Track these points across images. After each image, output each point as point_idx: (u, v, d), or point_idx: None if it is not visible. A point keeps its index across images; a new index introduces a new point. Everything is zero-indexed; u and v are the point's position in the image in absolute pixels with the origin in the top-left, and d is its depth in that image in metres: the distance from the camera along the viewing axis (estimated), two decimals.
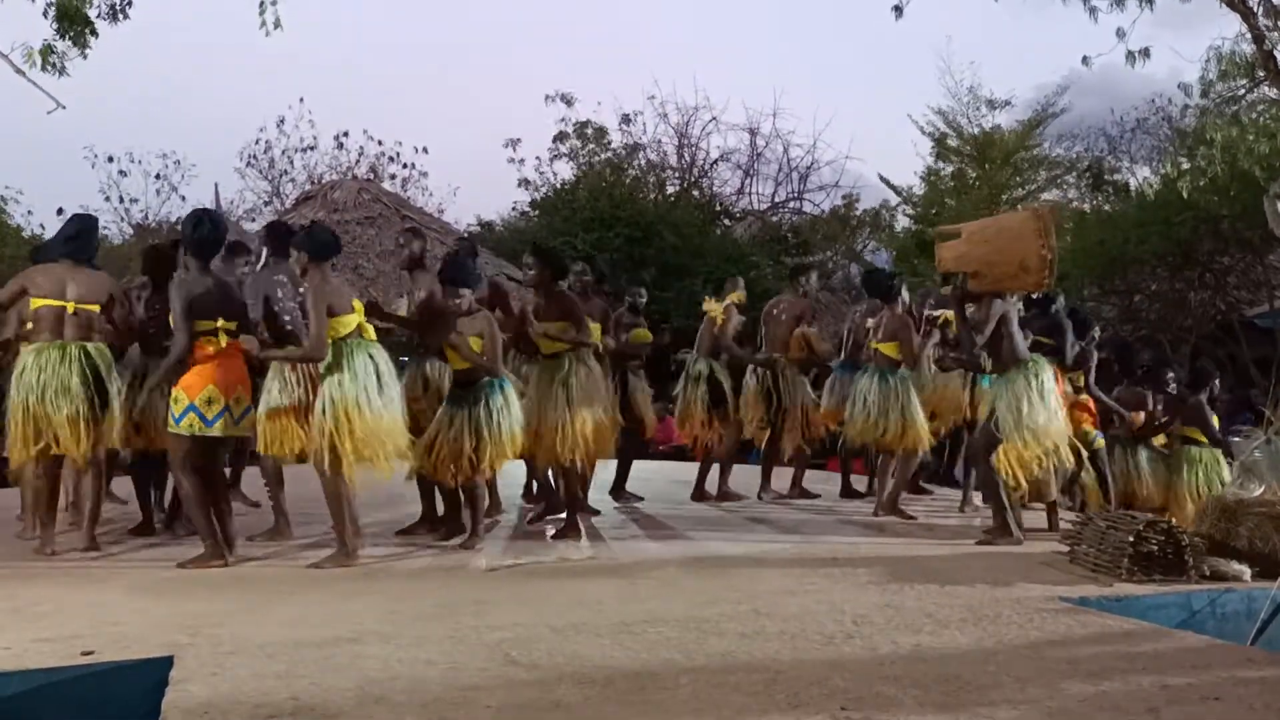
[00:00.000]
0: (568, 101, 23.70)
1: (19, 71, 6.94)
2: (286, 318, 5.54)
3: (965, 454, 7.87)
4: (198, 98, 33.68)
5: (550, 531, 6.25)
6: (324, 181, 20.20)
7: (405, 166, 24.42)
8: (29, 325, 5.29)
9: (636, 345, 7.61)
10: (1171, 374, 7.69)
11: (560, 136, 23.72)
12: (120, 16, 7.69)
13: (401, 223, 15.39)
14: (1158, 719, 2.82)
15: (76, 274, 5.28)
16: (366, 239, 15.06)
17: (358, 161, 23.68)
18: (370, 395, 4.97)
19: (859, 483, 8.59)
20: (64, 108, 7.12)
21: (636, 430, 7.60)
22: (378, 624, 3.83)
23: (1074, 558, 5.23)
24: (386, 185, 21.16)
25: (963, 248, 6.06)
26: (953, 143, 19.49)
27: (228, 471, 6.45)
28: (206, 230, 5.17)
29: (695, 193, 23.28)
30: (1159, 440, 7.51)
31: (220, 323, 5.10)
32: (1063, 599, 4.39)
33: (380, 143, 24.16)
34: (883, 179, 22.14)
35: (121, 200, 22.41)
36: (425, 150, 24.57)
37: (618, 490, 7.78)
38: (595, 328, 6.50)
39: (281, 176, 24.13)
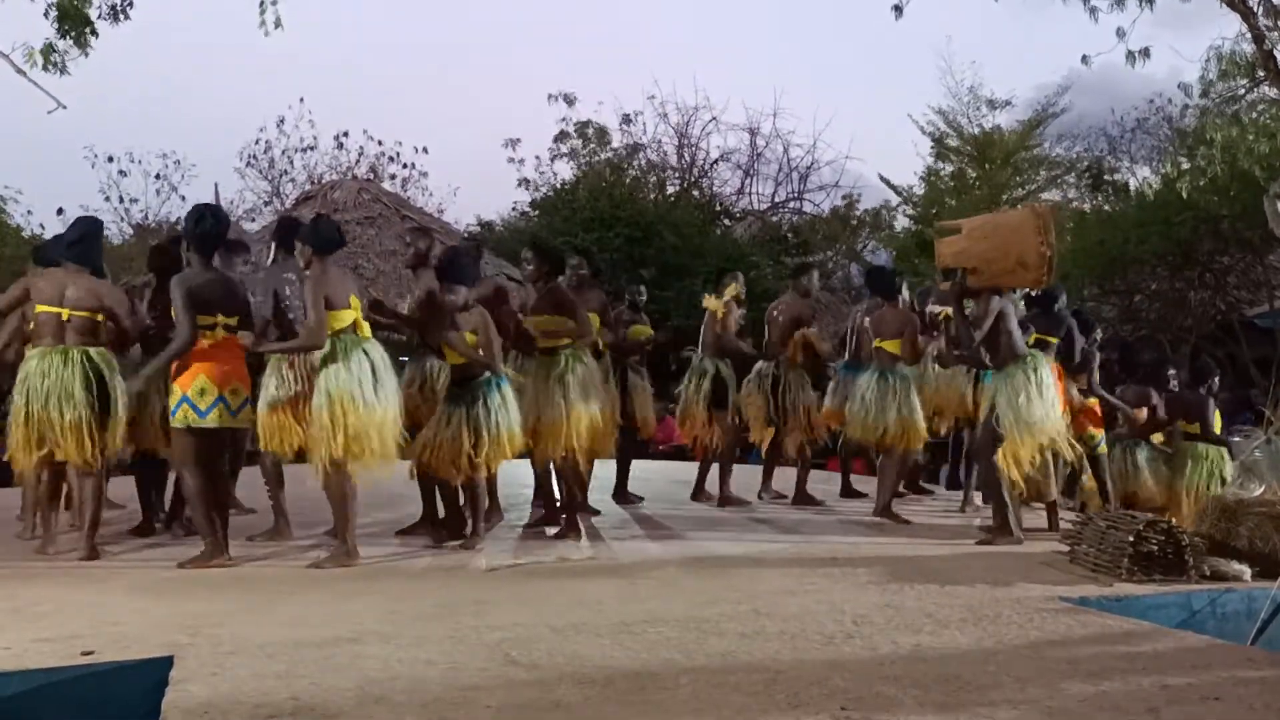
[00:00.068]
0: (569, 101, 23.74)
1: (20, 71, 6.94)
2: (292, 315, 5.54)
3: (968, 453, 7.85)
4: (198, 98, 33.69)
5: (550, 531, 6.24)
6: (324, 181, 20.19)
7: (405, 166, 24.41)
8: (31, 325, 5.30)
9: (635, 341, 7.60)
10: (1172, 371, 7.68)
11: (561, 136, 23.76)
12: (121, 17, 7.69)
13: (401, 223, 15.41)
14: (1158, 719, 2.82)
15: (76, 280, 5.28)
16: (366, 239, 15.05)
17: (358, 161, 23.67)
18: (364, 390, 4.97)
19: (859, 482, 8.59)
20: (64, 107, 7.12)
21: (636, 430, 7.57)
22: (378, 624, 3.83)
23: (1074, 558, 5.23)
24: (386, 185, 21.13)
25: (962, 243, 6.07)
26: (953, 143, 19.51)
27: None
28: (209, 225, 5.18)
29: (695, 193, 23.27)
30: (1157, 438, 7.51)
31: (220, 318, 5.11)
32: (1063, 599, 4.39)
33: (380, 143, 24.15)
34: (883, 179, 22.17)
35: (121, 200, 22.41)
36: (425, 150, 24.55)
37: (619, 492, 7.77)
38: (593, 316, 6.49)
39: (281, 176, 24.12)
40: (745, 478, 8.32)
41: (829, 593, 4.54)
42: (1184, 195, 11.04)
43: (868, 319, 7.50)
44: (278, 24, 7.56)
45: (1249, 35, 8.72)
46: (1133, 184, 18.05)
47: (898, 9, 9.46)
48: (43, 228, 19.29)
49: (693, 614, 4.03)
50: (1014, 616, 4.05)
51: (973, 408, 7.36)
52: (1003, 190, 18.40)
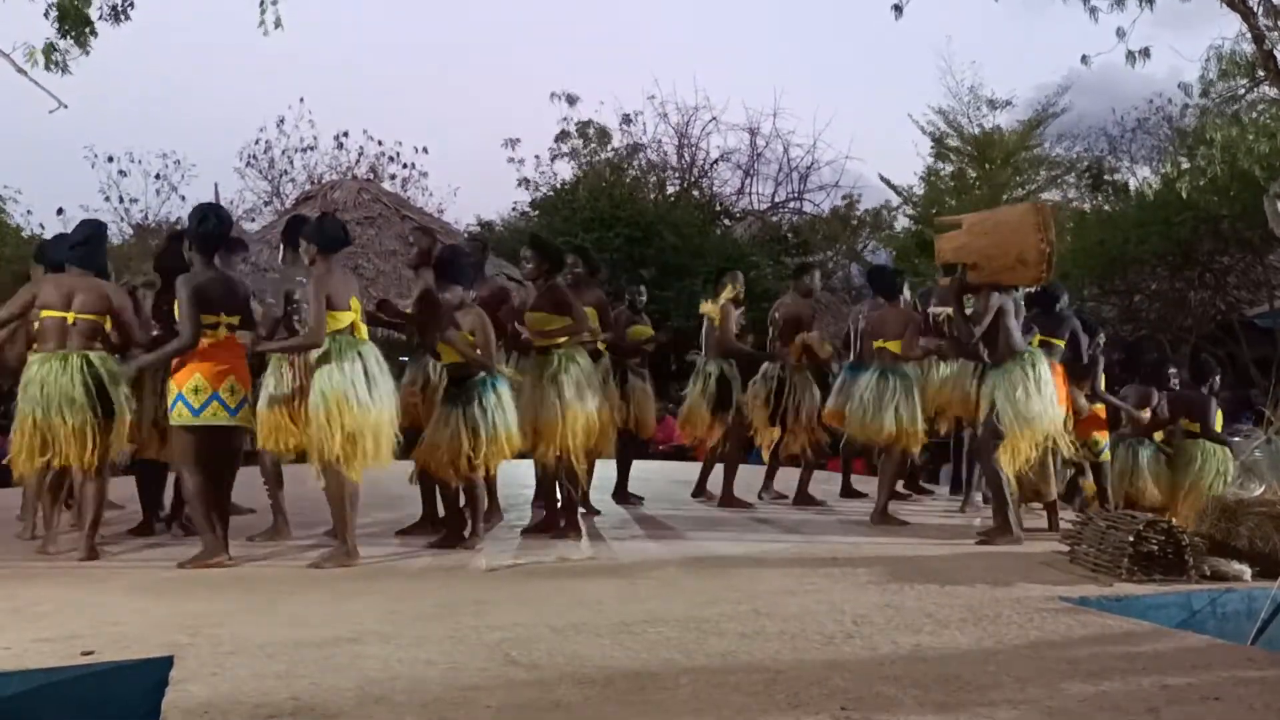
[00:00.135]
0: (571, 101, 23.74)
1: (20, 71, 6.94)
2: (298, 317, 5.54)
3: (969, 453, 7.85)
4: (198, 98, 33.69)
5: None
6: (324, 181, 20.18)
7: (405, 166, 24.42)
8: (36, 326, 5.30)
9: (635, 342, 7.59)
10: (1173, 370, 7.69)
11: (562, 136, 23.75)
12: (122, 18, 7.68)
13: (401, 223, 15.40)
14: (1158, 719, 2.82)
15: (81, 283, 5.28)
16: (366, 239, 15.03)
17: (358, 161, 23.67)
18: (358, 390, 4.97)
19: (859, 482, 8.59)
20: (65, 106, 7.11)
21: (635, 431, 7.56)
22: (378, 624, 3.83)
23: (1074, 558, 5.23)
24: (386, 185, 21.12)
25: (962, 239, 6.07)
26: (953, 143, 19.51)
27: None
28: (212, 225, 5.18)
29: (695, 193, 23.26)
30: (1159, 436, 7.51)
31: (222, 317, 5.13)
32: (1063, 599, 4.39)
33: (380, 143, 24.15)
34: (883, 179, 22.18)
35: (121, 200, 22.42)
36: (425, 150, 24.57)
37: (619, 492, 7.77)
38: (591, 312, 6.49)
39: (281, 176, 24.14)
40: (746, 478, 8.30)
41: (829, 593, 4.54)
42: (1184, 195, 11.03)
43: (866, 319, 7.50)
44: (278, 24, 7.56)
45: (1249, 35, 8.72)
46: (1133, 184, 18.07)
47: (898, 9, 9.46)
48: (42, 227, 19.32)
49: (693, 614, 4.03)
50: (1014, 616, 4.05)
51: (975, 408, 7.35)
52: (1003, 190, 18.40)
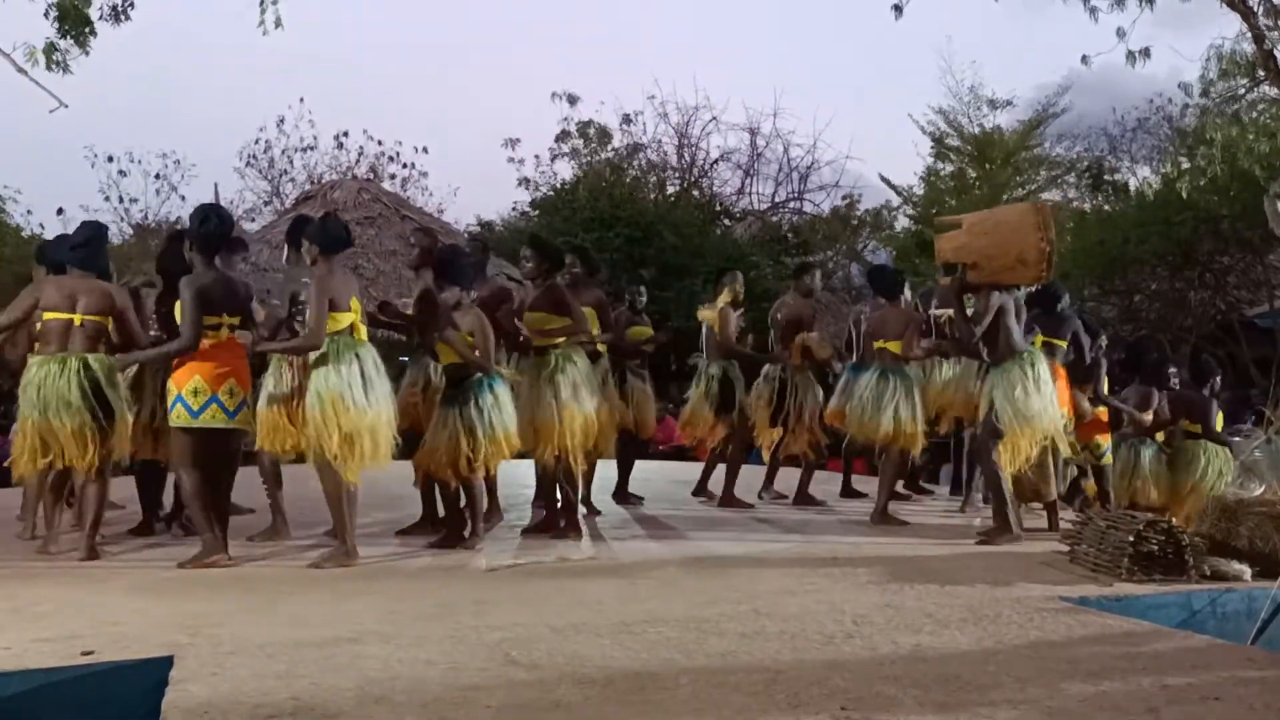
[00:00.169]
0: (572, 101, 23.74)
1: (21, 70, 6.93)
2: (301, 318, 5.54)
3: (969, 453, 7.84)
4: (198, 98, 33.75)
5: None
6: (324, 181, 20.17)
7: (405, 166, 24.45)
8: (38, 327, 5.30)
9: (634, 343, 7.59)
10: (1173, 369, 7.68)
11: (563, 135, 23.75)
12: (122, 18, 7.68)
13: (401, 223, 15.41)
14: (1158, 719, 2.82)
15: (84, 285, 5.28)
16: (366, 239, 15.03)
17: (358, 161, 23.69)
18: (354, 391, 4.98)
19: (860, 482, 8.59)
20: (66, 106, 7.10)
21: (635, 431, 7.56)
22: (378, 624, 3.83)
23: (1074, 558, 5.23)
24: (386, 185, 21.13)
25: (962, 239, 6.07)
26: (953, 142, 19.51)
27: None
28: (214, 225, 5.19)
29: (695, 193, 23.26)
30: (1160, 436, 7.51)
31: (224, 318, 5.13)
32: (1063, 599, 4.39)
33: (380, 143, 24.18)
34: (883, 179, 22.18)
35: (121, 200, 22.44)
36: (425, 150, 24.60)
37: (620, 492, 7.77)
38: (590, 313, 6.48)
39: (281, 176, 24.16)
40: (746, 478, 8.29)
41: (829, 593, 4.54)
42: (1184, 195, 11.04)
43: (867, 319, 7.49)
44: (278, 24, 7.54)
45: (1249, 35, 8.73)
46: (1133, 184, 18.07)
47: (898, 9, 9.46)
48: (42, 227, 19.34)
49: (693, 614, 4.03)
50: (1014, 616, 4.05)
51: (977, 409, 7.34)
52: (1003, 190, 18.40)
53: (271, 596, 4.37)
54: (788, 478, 8.13)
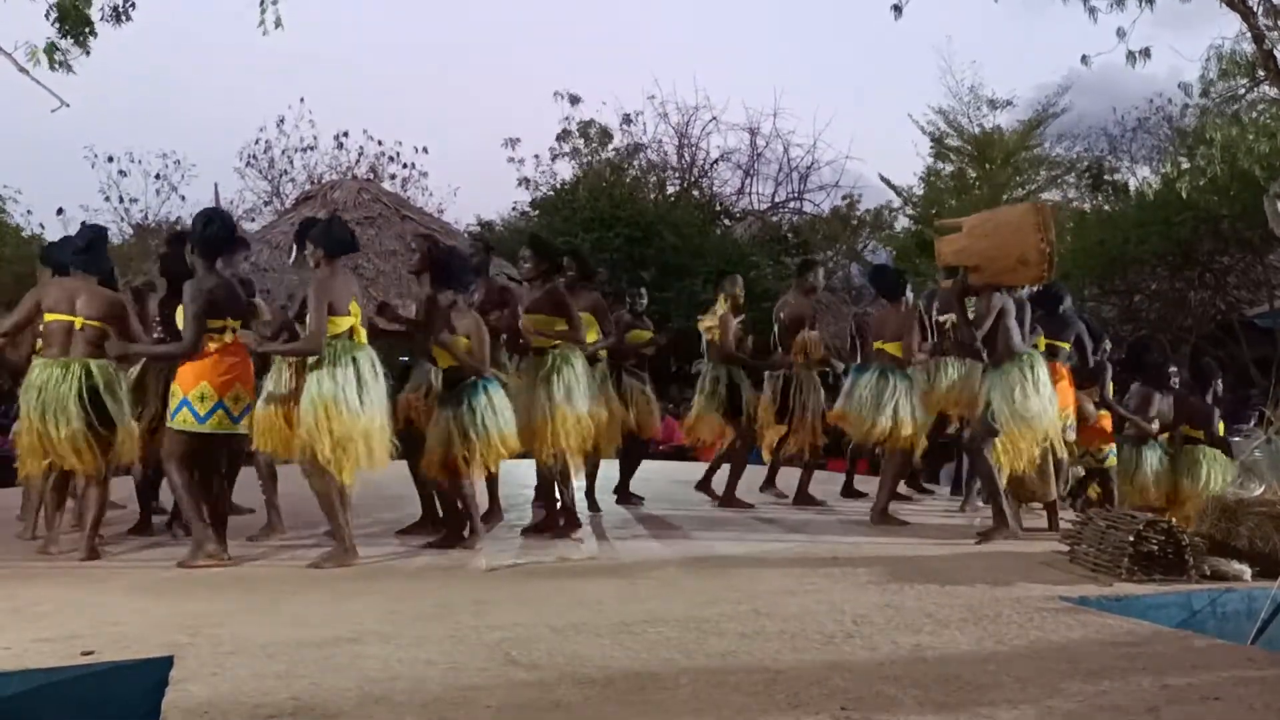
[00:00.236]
0: (574, 100, 23.74)
1: (22, 70, 6.92)
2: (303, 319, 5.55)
3: (965, 450, 7.84)
4: (198, 98, 33.76)
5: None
6: (324, 181, 20.17)
7: (405, 166, 24.44)
8: (41, 328, 5.30)
9: (632, 345, 7.59)
10: (1173, 369, 7.68)
11: (564, 135, 23.75)
12: (123, 19, 7.68)
13: (401, 223, 15.38)
14: (1158, 719, 2.82)
15: (85, 288, 5.28)
16: (366, 239, 14.99)
17: (358, 161, 23.70)
18: (349, 395, 4.97)
19: (861, 483, 8.59)
20: (68, 105, 7.10)
21: (636, 432, 7.55)
22: (378, 624, 3.83)
23: (1074, 558, 5.23)
24: (386, 185, 21.12)
25: (963, 241, 6.07)
26: (953, 142, 19.51)
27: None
28: (216, 229, 5.19)
29: (695, 193, 23.26)
30: (1162, 437, 7.50)
31: (229, 320, 5.15)
32: (1063, 599, 4.39)
33: (380, 143, 24.18)
34: (883, 179, 22.19)
35: (121, 200, 22.48)
36: (425, 150, 24.60)
37: (621, 492, 7.77)
38: (587, 318, 6.47)
39: (281, 176, 24.16)
40: (746, 478, 8.29)
41: (829, 593, 4.54)
42: (1184, 195, 11.04)
43: (865, 320, 7.50)
44: (278, 24, 7.53)
45: (1249, 35, 8.72)
46: (1133, 184, 18.08)
47: (897, 9, 9.45)
48: (43, 227, 19.39)
49: (693, 614, 4.03)
50: (1014, 616, 4.05)
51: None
52: (1003, 190, 18.41)
53: (272, 596, 4.37)
54: (788, 478, 8.14)
